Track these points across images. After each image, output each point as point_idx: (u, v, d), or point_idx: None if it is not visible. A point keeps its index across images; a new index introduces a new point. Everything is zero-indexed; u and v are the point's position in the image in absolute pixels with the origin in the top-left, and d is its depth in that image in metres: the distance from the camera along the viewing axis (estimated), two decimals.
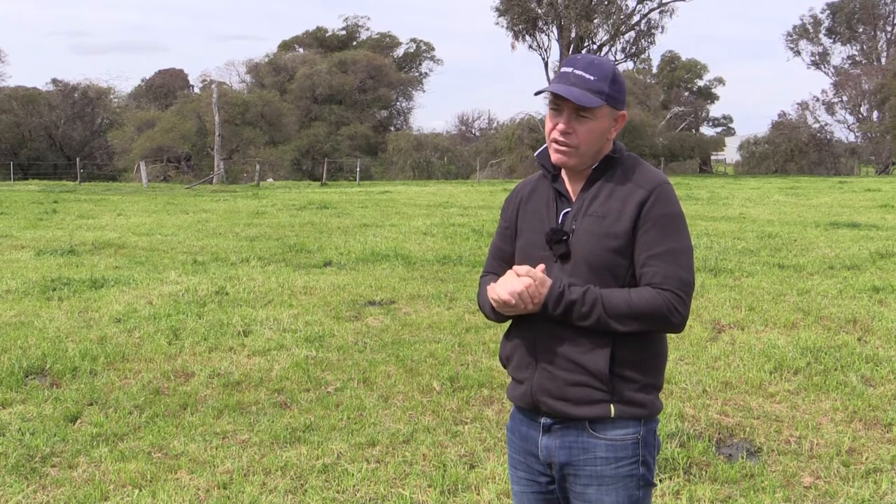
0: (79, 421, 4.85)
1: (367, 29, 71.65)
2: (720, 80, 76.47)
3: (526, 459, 2.26)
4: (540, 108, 50.36)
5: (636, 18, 54.70)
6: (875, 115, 55.16)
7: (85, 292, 8.70)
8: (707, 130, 76.25)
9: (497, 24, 54.92)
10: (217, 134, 42.45)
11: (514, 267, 2.12)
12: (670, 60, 72.57)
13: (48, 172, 47.08)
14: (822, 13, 68.83)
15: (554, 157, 2.18)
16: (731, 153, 64.20)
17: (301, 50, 67.85)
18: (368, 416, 4.91)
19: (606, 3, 52.66)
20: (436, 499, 3.82)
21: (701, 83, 74.61)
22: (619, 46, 55.98)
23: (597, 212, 2.13)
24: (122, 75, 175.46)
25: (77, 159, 41.41)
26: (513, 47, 58.00)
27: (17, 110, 53.48)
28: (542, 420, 2.19)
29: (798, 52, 70.50)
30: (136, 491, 3.91)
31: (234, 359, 6.13)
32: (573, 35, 51.45)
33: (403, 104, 68.06)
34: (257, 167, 39.58)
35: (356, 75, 60.03)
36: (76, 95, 55.73)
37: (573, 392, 2.11)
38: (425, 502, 3.80)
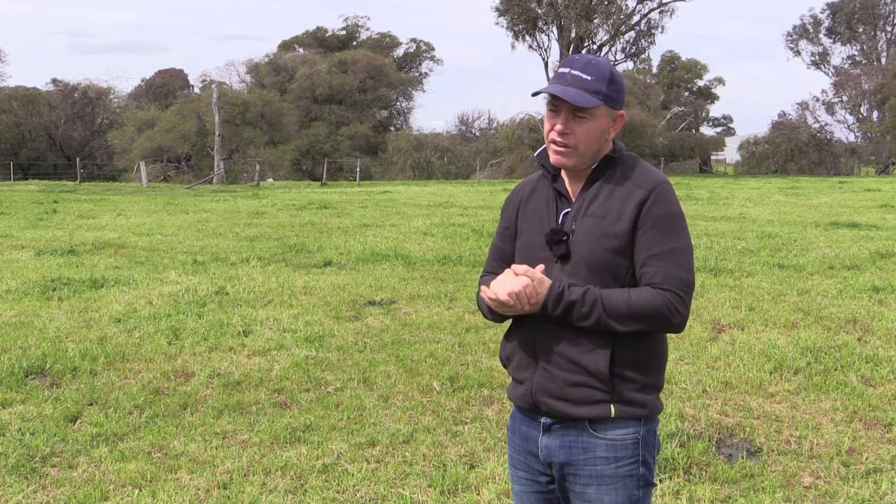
0: (79, 421, 4.85)
1: (367, 29, 71.72)
2: (720, 80, 76.54)
3: (526, 459, 2.26)
4: (540, 108, 50.38)
5: (636, 18, 54.75)
6: (875, 115, 55.16)
7: (85, 292, 8.70)
8: (707, 130, 76.34)
9: (497, 24, 54.97)
10: (217, 134, 42.45)
11: (513, 266, 2.12)
12: (670, 60, 72.57)
13: (48, 172, 47.08)
14: (822, 13, 68.92)
15: (553, 158, 2.17)
16: (731, 153, 64.20)
17: (301, 50, 67.85)
18: (368, 416, 4.91)
19: (606, 3, 52.66)
20: (436, 499, 3.82)
21: (701, 83, 74.63)
22: (619, 46, 56.02)
23: (596, 212, 2.13)
24: (122, 75, 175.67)
25: (77, 159, 41.41)
26: (513, 47, 58.03)
27: (17, 110, 53.48)
28: (543, 420, 2.19)
29: (798, 52, 70.55)
30: (136, 491, 3.91)
31: (234, 359, 6.13)
32: (573, 35, 51.45)
33: (403, 104, 68.11)
34: (257, 167, 39.58)
35: (356, 75, 60.03)
36: (76, 95, 55.73)
37: (573, 392, 2.11)
38: (425, 502, 3.80)
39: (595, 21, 52.28)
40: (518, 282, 2.07)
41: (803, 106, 55.58)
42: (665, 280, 2.06)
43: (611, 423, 2.12)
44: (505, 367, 2.31)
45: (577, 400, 2.11)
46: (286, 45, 70.16)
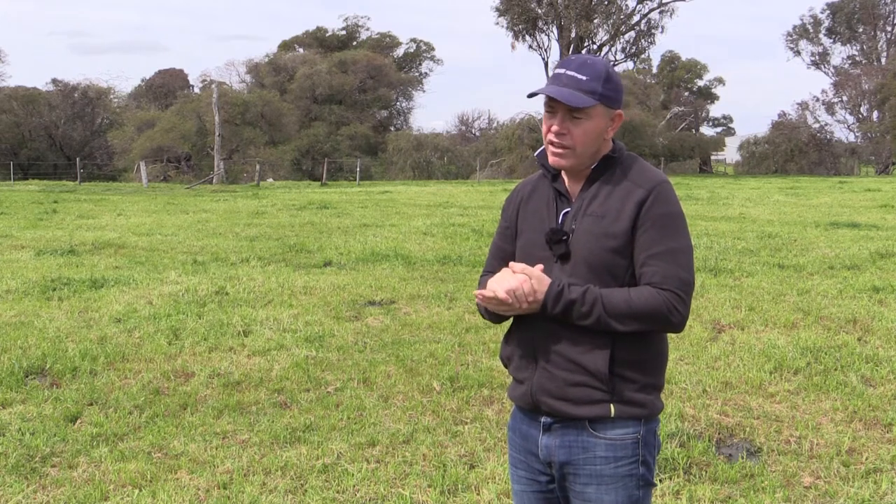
0: (79, 421, 4.85)
1: (367, 29, 71.71)
2: (720, 80, 76.53)
3: (526, 458, 2.26)
4: (540, 108, 50.06)
5: (636, 18, 54.76)
6: (875, 115, 55.16)
7: (85, 292, 8.70)
8: (707, 130, 76.34)
9: (497, 24, 54.99)
10: (217, 134, 42.45)
11: (510, 264, 2.12)
12: (670, 60, 72.57)
13: (48, 172, 47.08)
14: (822, 13, 68.93)
15: (551, 159, 2.18)
16: (731, 153, 64.20)
17: (301, 50, 67.84)
18: (368, 416, 4.91)
19: (606, 3, 52.66)
20: (436, 499, 3.82)
21: (701, 83, 74.62)
22: (619, 46, 56.04)
23: (596, 211, 2.13)
24: (122, 75, 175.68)
25: (77, 159, 41.41)
26: (513, 47, 58.04)
27: (17, 110, 53.48)
28: (543, 419, 2.19)
29: (798, 52, 70.55)
30: (136, 491, 3.91)
31: (234, 359, 6.13)
32: (573, 35, 51.46)
33: (403, 104, 68.10)
34: (257, 167, 39.58)
35: (356, 75, 60.03)
36: (76, 95, 55.73)
37: (573, 392, 2.11)
38: (425, 502, 3.80)
39: (595, 21, 52.29)
40: (516, 279, 2.07)
41: (803, 106, 55.62)
42: (665, 280, 2.05)
43: (610, 423, 2.11)
44: (506, 366, 2.31)
45: (576, 399, 2.11)
46: (286, 45, 70.16)
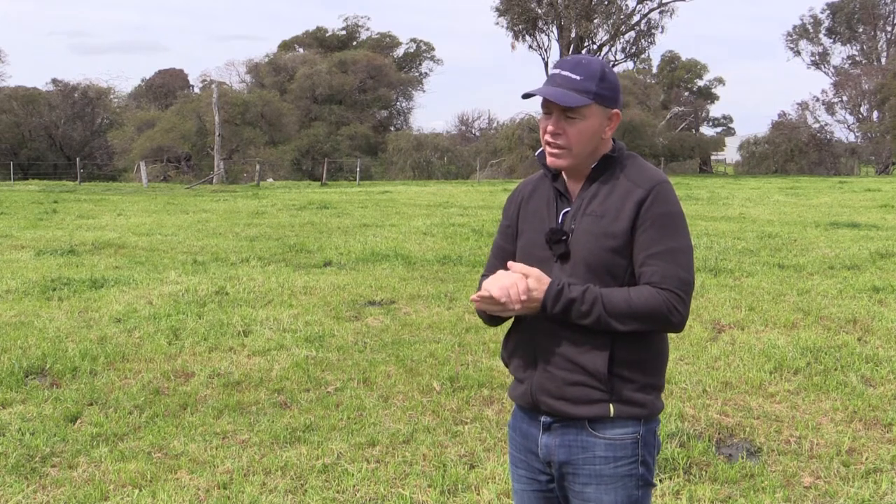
0: (79, 421, 4.85)
1: (367, 29, 71.71)
2: (720, 80, 76.55)
3: (526, 457, 2.26)
4: (539, 108, 50.25)
5: (636, 18, 54.74)
6: (875, 115, 55.16)
7: (85, 292, 8.70)
8: (707, 130, 76.35)
9: (497, 24, 54.97)
10: (217, 134, 42.45)
11: (510, 264, 2.13)
12: (670, 60, 72.57)
13: (48, 172, 47.08)
14: (822, 13, 68.93)
15: (548, 159, 2.18)
16: (731, 153, 64.20)
17: (301, 50, 67.84)
18: (368, 416, 4.91)
19: (606, 3, 52.65)
20: (436, 499, 3.82)
21: (701, 83, 74.63)
22: (619, 46, 56.01)
23: (595, 211, 2.13)
24: (122, 75, 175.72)
25: (77, 159, 41.41)
26: (513, 47, 58.01)
27: (17, 110, 53.48)
28: (543, 419, 2.19)
29: (798, 52, 70.55)
30: (136, 491, 3.91)
31: (234, 359, 6.13)
32: (573, 35, 51.45)
33: (403, 104, 68.10)
34: (257, 167, 39.58)
35: (356, 75, 60.03)
36: (76, 95, 55.72)
37: (572, 391, 2.11)
38: (425, 502, 3.80)
39: (595, 21, 52.28)
40: (509, 278, 2.07)
41: (803, 106, 55.62)
42: (664, 279, 2.05)
43: (610, 423, 2.11)
44: (506, 365, 2.31)
45: (575, 399, 2.11)
46: (286, 45, 70.16)
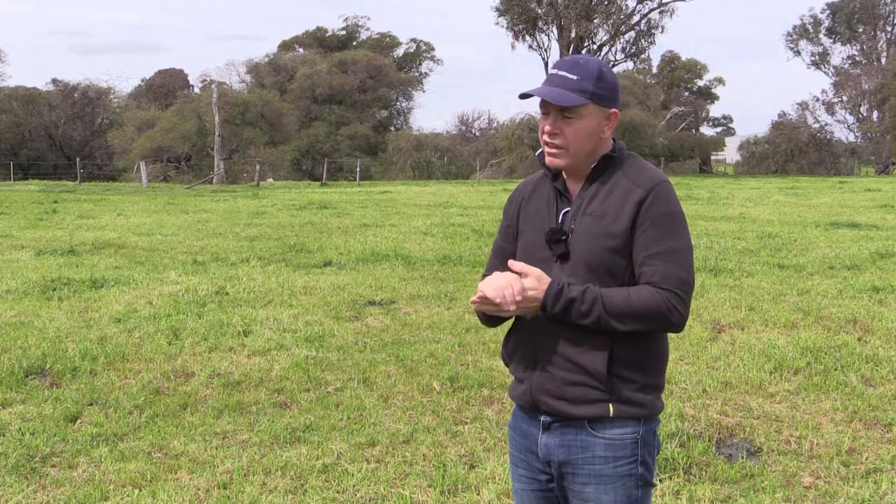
0: (79, 421, 4.85)
1: (367, 29, 71.71)
2: (720, 80, 76.55)
3: (526, 457, 2.26)
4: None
5: (636, 18, 54.71)
6: (875, 115, 55.16)
7: (85, 292, 8.70)
8: (707, 130, 76.35)
9: (497, 24, 54.95)
10: (217, 134, 42.45)
11: (511, 262, 2.13)
12: (670, 60, 72.57)
13: (48, 172, 47.08)
14: (822, 13, 68.92)
15: (546, 159, 2.18)
16: (731, 153, 64.20)
17: (301, 50, 67.84)
18: (368, 416, 4.91)
19: (606, 3, 52.64)
20: (436, 499, 3.82)
21: (701, 83, 74.62)
22: (619, 46, 55.99)
23: (595, 211, 2.13)
24: (122, 75, 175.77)
25: (77, 159, 41.41)
26: (513, 47, 57.99)
27: (17, 110, 53.48)
28: (542, 418, 2.19)
29: (798, 52, 70.54)
30: (136, 491, 3.91)
31: (234, 359, 6.13)
32: (573, 35, 51.44)
33: (403, 104, 68.10)
34: (257, 167, 39.58)
35: (356, 75, 60.03)
36: (76, 95, 55.73)
37: (571, 391, 2.11)
38: (425, 502, 3.80)
39: (595, 21, 52.27)
40: (504, 278, 2.07)
41: (803, 106, 55.61)
42: (664, 279, 2.05)
43: (609, 423, 2.11)
44: (507, 365, 2.32)
45: (575, 399, 2.11)
46: (286, 45, 70.16)
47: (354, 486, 3.95)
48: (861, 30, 66.15)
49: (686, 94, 70.81)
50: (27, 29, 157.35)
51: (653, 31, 55.52)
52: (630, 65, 60.52)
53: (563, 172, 2.23)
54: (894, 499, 3.84)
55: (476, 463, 4.21)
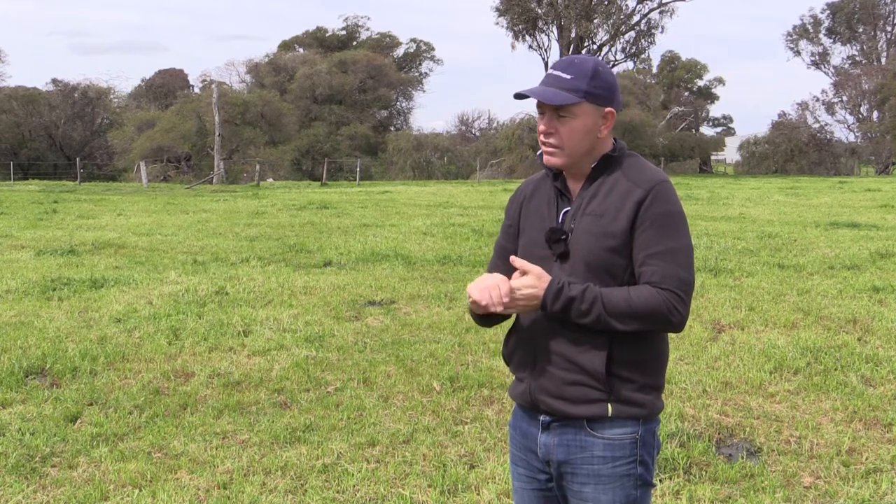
0: (79, 421, 4.85)
1: (367, 29, 71.71)
2: (720, 80, 76.53)
3: (526, 456, 2.26)
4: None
5: (636, 18, 54.69)
6: (875, 115, 55.16)
7: (85, 292, 8.70)
8: (707, 130, 76.36)
9: (497, 24, 54.94)
10: (217, 134, 42.45)
11: (512, 258, 2.14)
12: (670, 60, 72.57)
13: (48, 172, 47.07)
14: (822, 13, 68.92)
15: (544, 158, 2.20)
16: (731, 153, 64.21)
17: (301, 50, 67.84)
18: (368, 416, 4.91)
19: (606, 3, 52.64)
20: (436, 499, 3.82)
21: (701, 83, 74.62)
22: (619, 46, 55.97)
23: (595, 211, 2.13)
24: (122, 75, 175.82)
25: (77, 159, 41.41)
26: (513, 47, 57.95)
27: (17, 110, 53.48)
28: (542, 418, 2.19)
29: (798, 52, 70.53)
30: (136, 491, 3.91)
31: (234, 359, 6.13)
32: (573, 35, 51.44)
33: (403, 104, 68.10)
34: (257, 167, 39.58)
35: (356, 75, 60.03)
36: (76, 95, 55.73)
37: (570, 391, 2.11)
38: (425, 502, 3.80)
39: (595, 21, 52.27)
40: (491, 279, 2.08)
41: (803, 106, 55.61)
42: (664, 279, 2.05)
43: (608, 423, 2.11)
44: (507, 364, 2.32)
45: (573, 399, 2.11)
46: (286, 45, 70.16)
47: (354, 486, 3.95)
48: (861, 30, 66.15)
49: (686, 94, 70.82)
50: (27, 29, 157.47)
51: (653, 31, 55.54)
52: (630, 65, 60.60)
53: (564, 172, 2.23)
54: (894, 499, 3.84)
55: (476, 463, 4.21)
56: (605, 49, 54.32)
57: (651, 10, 54.46)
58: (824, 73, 69.63)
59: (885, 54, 64.56)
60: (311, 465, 4.18)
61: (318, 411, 4.98)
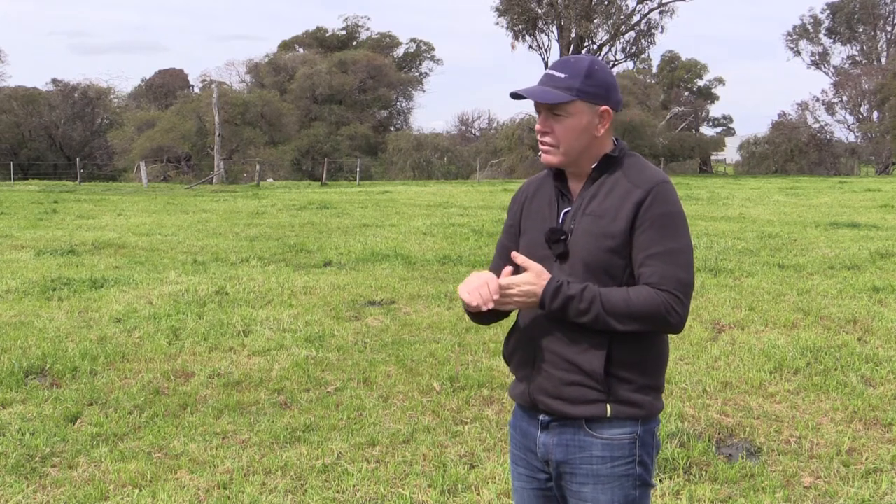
0: (79, 421, 4.85)
1: (367, 29, 71.71)
2: (720, 80, 76.54)
3: (526, 456, 2.26)
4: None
5: (636, 18, 54.66)
6: (875, 115, 55.16)
7: (85, 292, 8.70)
8: (707, 130, 76.36)
9: (497, 24, 54.91)
10: (217, 134, 42.45)
11: (513, 254, 2.16)
12: (670, 60, 72.57)
13: (48, 172, 47.08)
14: (822, 13, 68.92)
15: (541, 157, 2.21)
16: (731, 153, 64.21)
17: (301, 50, 67.84)
18: (368, 416, 4.91)
19: (606, 3, 52.63)
20: (436, 499, 3.82)
21: (701, 83, 74.63)
22: (619, 46, 55.94)
23: (594, 211, 2.13)
24: (122, 75, 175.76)
25: (77, 159, 41.41)
26: (513, 47, 57.91)
27: (17, 110, 53.48)
28: (541, 417, 2.19)
29: (798, 52, 70.54)
30: (136, 491, 3.91)
31: (234, 359, 6.13)
32: (573, 35, 51.43)
33: (403, 104, 68.10)
34: (257, 167, 39.58)
35: (356, 75, 60.03)
36: (76, 95, 55.73)
37: (569, 391, 2.11)
38: (425, 502, 3.80)
39: (595, 21, 52.25)
40: (480, 279, 2.09)
41: (803, 106, 55.61)
42: (663, 280, 2.05)
43: (607, 423, 2.11)
44: (507, 364, 2.33)
45: (572, 399, 2.11)
46: (286, 45, 70.16)
47: (354, 486, 3.95)
48: (861, 30, 66.15)
49: (686, 94, 70.82)
50: (27, 29, 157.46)
51: (653, 31, 55.51)
52: (630, 65, 60.57)
53: (566, 172, 2.23)
54: (894, 499, 3.84)
55: (476, 463, 4.21)
56: (605, 49, 54.31)
57: (651, 10, 54.46)
58: (824, 73, 69.70)
59: (885, 54, 64.56)
60: (311, 465, 4.18)
61: (318, 411, 4.98)
